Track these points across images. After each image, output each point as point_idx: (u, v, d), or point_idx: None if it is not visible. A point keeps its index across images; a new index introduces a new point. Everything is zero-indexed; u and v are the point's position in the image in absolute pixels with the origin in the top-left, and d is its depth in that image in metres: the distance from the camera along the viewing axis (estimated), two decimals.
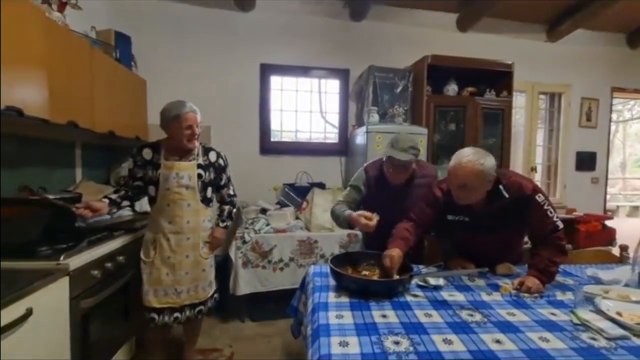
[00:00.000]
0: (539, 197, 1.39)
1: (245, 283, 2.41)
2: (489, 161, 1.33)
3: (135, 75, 2.62)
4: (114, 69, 2.25)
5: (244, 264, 2.41)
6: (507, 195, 1.38)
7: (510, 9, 3.34)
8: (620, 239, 3.52)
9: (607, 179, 3.96)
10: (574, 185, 3.80)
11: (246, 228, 2.50)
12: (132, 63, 2.65)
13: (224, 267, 2.79)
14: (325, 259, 2.53)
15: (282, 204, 2.87)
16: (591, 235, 3.19)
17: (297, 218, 2.74)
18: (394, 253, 1.33)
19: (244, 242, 2.41)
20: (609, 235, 3.34)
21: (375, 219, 1.50)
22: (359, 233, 2.61)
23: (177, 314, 1.78)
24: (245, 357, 2.14)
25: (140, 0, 2.83)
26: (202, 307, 1.84)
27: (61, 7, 1.86)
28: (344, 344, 0.90)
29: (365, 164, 1.85)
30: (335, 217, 1.74)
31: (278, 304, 2.59)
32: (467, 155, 1.34)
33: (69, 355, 1.35)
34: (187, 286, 1.78)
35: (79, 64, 1.84)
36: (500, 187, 1.39)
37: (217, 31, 2.98)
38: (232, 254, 2.41)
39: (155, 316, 1.71)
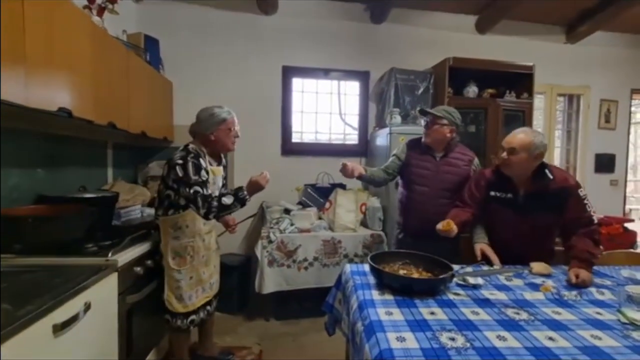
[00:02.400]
0: (581, 192, 1.50)
1: (271, 281, 2.44)
2: (540, 138, 1.50)
3: (164, 77, 2.68)
4: (146, 71, 2.31)
5: (269, 263, 2.44)
6: (551, 177, 1.50)
7: (529, 11, 3.35)
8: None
9: (626, 181, 3.94)
10: (593, 187, 3.78)
11: (271, 228, 2.54)
12: (160, 65, 2.71)
13: (246, 266, 2.85)
14: (349, 259, 2.55)
15: (304, 204, 2.90)
16: (613, 238, 3.17)
17: (319, 218, 2.77)
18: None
19: (270, 242, 2.45)
20: (631, 238, 3.31)
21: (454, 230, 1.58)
22: (382, 233, 2.64)
23: (208, 307, 1.87)
24: (272, 356, 2.17)
25: (168, 5, 2.89)
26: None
27: (100, 13, 1.92)
28: (401, 339, 0.93)
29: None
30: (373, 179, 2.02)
31: (302, 304, 2.63)
32: (524, 129, 1.58)
33: (116, 349, 1.40)
34: (216, 277, 1.91)
35: (117, 67, 1.90)
36: (546, 170, 1.52)
37: (241, 34, 3.03)
38: (258, 253, 2.44)
39: (195, 317, 1.76)
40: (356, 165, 1.93)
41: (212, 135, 1.69)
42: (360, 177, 1.96)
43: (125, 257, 1.46)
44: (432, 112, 1.88)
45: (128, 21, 2.55)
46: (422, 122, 1.99)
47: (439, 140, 1.89)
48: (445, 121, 1.85)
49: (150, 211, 2.31)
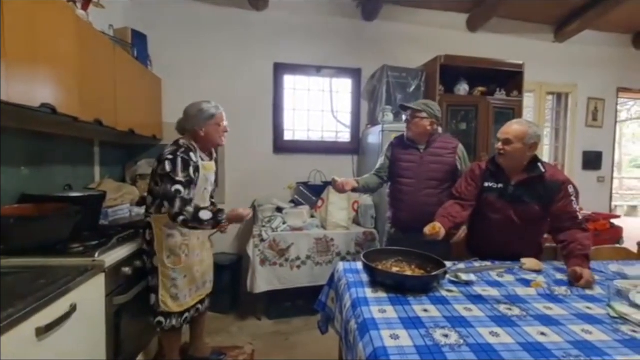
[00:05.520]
0: (570, 188, 1.54)
1: (264, 281, 2.42)
2: (535, 129, 1.57)
3: (152, 73, 2.62)
4: (133, 67, 2.26)
5: (261, 262, 2.42)
6: (543, 170, 1.55)
7: (518, 9, 3.38)
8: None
9: (612, 178, 4.02)
10: (581, 184, 3.82)
11: (263, 226, 2.51)
12: (148, 62, 2.65)
13: (237, 266, 2.82)
14: (341, 257, 2.55)
15: (296, 203, 2.88)
16: (599, 234, 3.23)
17: (312, 216, 2.76)
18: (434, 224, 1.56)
19: (262, 240, 2.42)
20: (617, 234, 3.39)
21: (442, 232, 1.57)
22: (374, 231, 2.64)
23: (199, 306, 1.85)
24: (265, 355, 2.16)
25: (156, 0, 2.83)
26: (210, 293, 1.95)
27: (85, 6, 1.86)
28: (395, 337, 0.92)
29: None
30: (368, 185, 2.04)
31: (294, 303, 2.61)
32: (519, 120, 1.66)
33: (104, 352, 1.36)
34: (209, 275, 1.90)
35: (104, 63, 1.85)
36: (539, 164, 1.57)
37: (231, 30, 2.98)
38: (250, 252, 2.42)
39: (187, 315, 1.74)
40: (347, 180, 1.97)
41: (201, 131, 1.68)
42: (354, 190, 2.01)
43: (112, 257, 1.42)
44: (412, 107, 1.94)
45: (115, 16, 2.48)
46: (404, 117, 2.07)
47: (420, 133, 1.93)
48: (424, 114, 1.90)
49: (140, 210, 2.27)
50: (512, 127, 1.59)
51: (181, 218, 1.52)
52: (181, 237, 1.66)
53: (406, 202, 1.95)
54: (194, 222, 1.54)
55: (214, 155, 1.87)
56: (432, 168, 1.92)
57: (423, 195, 1.91)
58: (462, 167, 1.94)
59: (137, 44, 2.44)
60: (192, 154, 1.62)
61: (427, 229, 1.54)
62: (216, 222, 1.58)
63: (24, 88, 1.22)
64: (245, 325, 2.52)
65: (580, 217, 1.53)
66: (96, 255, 1.35)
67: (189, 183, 1.56)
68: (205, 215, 1.55)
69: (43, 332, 0.96)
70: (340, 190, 1.95)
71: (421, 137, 1.94)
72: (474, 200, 1.71)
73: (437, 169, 1.92)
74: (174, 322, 1.68)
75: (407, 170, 1.96)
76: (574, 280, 1.35)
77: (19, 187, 1.63)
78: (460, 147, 1.98)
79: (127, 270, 1.54)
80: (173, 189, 1.51)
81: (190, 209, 1.52)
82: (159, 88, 2.73)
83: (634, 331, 0.98)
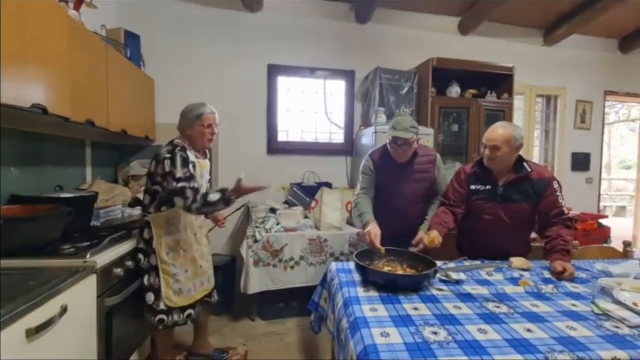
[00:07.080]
0: (555, 184, 1.61)
1: (257, 282, 2.42)
2: (519, 131, 1.63)
3: (145, 74, 2.61)
4: (126, 68, 2.25)
5: (255, 263, 2.42)
6: (529, 170, 1.61)
7: (509, 14, 3.44)
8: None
9: (600, 179, 4.10)
10: (570, 185, 3.91)
11: (257, 227, 2.52)
12: (141, 62, 2.64)
13: (231, 267, 2.81)
14: (335, 258, 2.56)
15: (290, 204, 2.89)
16: (588, 234, 3.29)
17: (306, 217, 2.77)
18: (432, 233, 1.58)
19: (256, 241, 2.42)
20: (604, 234, 3.46)
21: (381, 250, 1.57)
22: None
23: (208, 300, 1.90)
24: (259, 356, 2.16)
25: (149, 0, 2.82)
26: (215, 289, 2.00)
27: (77, 6, 1.85)
28: (385, 335, 0.94)
29: (369, 153, 2.06)
30: (357, 212, 1.95)
31: (288, 303, 2.62)
32: (502, 124, 1.69)
33: (95, 353, 1.35)
34: (211, 271, 1.93)
35: (96, 63, 1.84)
36: (525, 164, 1.63)
37: (225, 31, 2.99)
38: (243, 253, 2.42)
39: (192, 311, 1.75)
40: (375, 231, 1.68)
41: (188, 131, 1.72)
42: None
43: (104, 258, 1.41)
44: (405, 137, 1.75)
45: (107, 16, 2.47)
46: (388, 140, 1.86)
47: (409, 154, 1.84)
48: (415, 137, 1.80)
49: (132, 212, 2.26)
50: (498, 132, 1.61)
51: (194, 206, 1.55)
52: (179, 234, 1.71)
53: (397, 219, 1.87)
54: (207, 207, 1.59)
55: (208, 154, 1.89)
56: (419, 186, 1.90)
57: (413, 211, 1.91)
58: (439, 175, 1.93)
59: (130, 45, 2.43)
60: (188, 152, 1.66)
61: (427, 241, 1.54)
62: (226, 200, 1.59)
63: (15, 88, 1.21)
64: (239, 327, 2.52)
65: (566, 212, 1.61)
66: (88, 256, 1.34)
67: (191, 177, 1.60)
68: (214, 197, 1.58)
69: (33, 333, 0.95)
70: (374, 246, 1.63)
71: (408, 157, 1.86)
72: (463, 204, 1.75)
73: (423, 187, 1.91)
74: (175, 318, 1.70)
75: (396, 189, 1.90)
76: (556, 274, 1.45)
77: (8, 188, 1.62)
78: (438, 157, 1.97)
79: (119, 271, 1.53)
80: (178, 185, 1.56)
81: (199, 197, 1.56)
82: (152, 89, 2.72)
83: (616, 327, 1.01)
